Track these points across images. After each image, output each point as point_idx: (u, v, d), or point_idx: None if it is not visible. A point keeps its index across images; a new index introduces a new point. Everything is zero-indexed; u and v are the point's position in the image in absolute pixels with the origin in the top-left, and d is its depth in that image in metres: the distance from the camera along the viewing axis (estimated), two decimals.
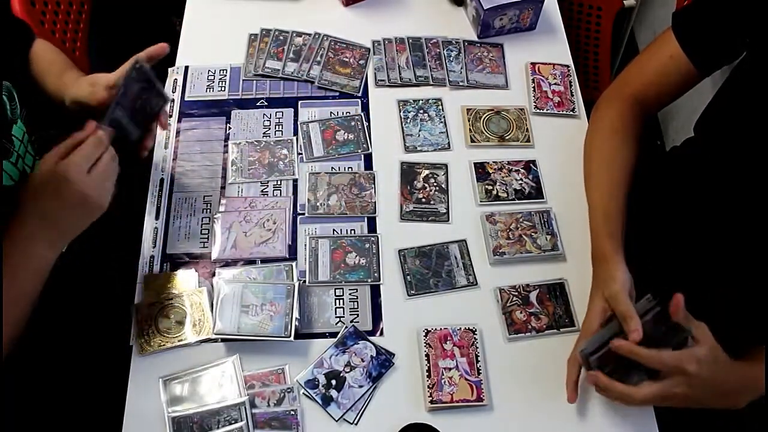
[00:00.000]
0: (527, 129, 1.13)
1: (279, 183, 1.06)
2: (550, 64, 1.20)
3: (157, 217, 1.02)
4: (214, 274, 0.96)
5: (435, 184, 1.07)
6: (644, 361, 0.77)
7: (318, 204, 1.04)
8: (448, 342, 0.91)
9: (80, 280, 0.98)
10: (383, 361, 0.90)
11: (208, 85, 1.17)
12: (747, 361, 0.81)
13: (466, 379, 0.88)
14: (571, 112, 1.15)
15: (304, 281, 0.96)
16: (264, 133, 1.11)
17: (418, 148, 1.10)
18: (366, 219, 1.03)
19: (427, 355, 0.90)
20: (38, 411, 0.94)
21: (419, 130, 1.12)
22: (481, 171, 1.08)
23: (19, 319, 0.78)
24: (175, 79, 1.17)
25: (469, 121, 1.13)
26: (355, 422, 0.86)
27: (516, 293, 0.96)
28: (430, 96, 1.16)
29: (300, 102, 1.15)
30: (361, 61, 1.20)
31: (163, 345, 0.90)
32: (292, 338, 0.88)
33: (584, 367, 0.84)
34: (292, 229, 1.02)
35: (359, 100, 1.16)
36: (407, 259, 0.99)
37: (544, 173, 1.08)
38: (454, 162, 1.09)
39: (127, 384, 0.88)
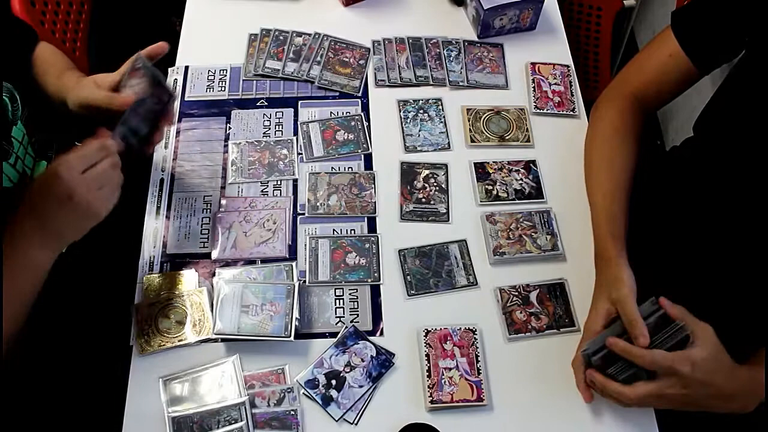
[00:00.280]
0: (527, 129, 1.13)
1: (279, 183, 1.06)
2: (550, 64, 1.20)
3: (157, 217, 1.02)
4: (214, 274, 0.96)
5: (435, 184, 1.07)
6: (637, 360, 0.78)
7: (318, 204, 1.04)
8: (448, 342, 0.91)
9: (80, 280, 0.98)
10: (383, 361, 0.90)
11: (208, 85, 1.17)
12: (752, 365, 0.81)
13: (466, 379, 0.88)
14: (571, 112, 1.15)
15: (304, 281, 0.96)
16: (264, 133, 1.11)
17: (418, 148, 1.10)
18: (366, 219, 1.03)
19: (427, 355, 0.90)
20: (38, 411, 0.94)
21: (419, 130, 1.12)
22: (481, 171, 1.08)
23: (15, 317, 0.78)
24: (175, 79, 1.17)
25: (469, 121, 1.13)
26: (355, 422, 0.86)
27: (516, 293, 0.96)
28: (430, 96, 1.16)
29: (300, 102, 1.15)
30: (361, 61, 1.20)
31: (163, 345, 0.90)
32: (292, 338, 0.88)
33: (585, 367, 0.84)
34: (292, 229, 1.02)
35: (359, 100, 1.16)
36: (407, 259, 0.99)
37: (544, 173, 1.08)
38: (454, 162, 1.09)
39: (127, 384, 0.88)
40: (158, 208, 1.03)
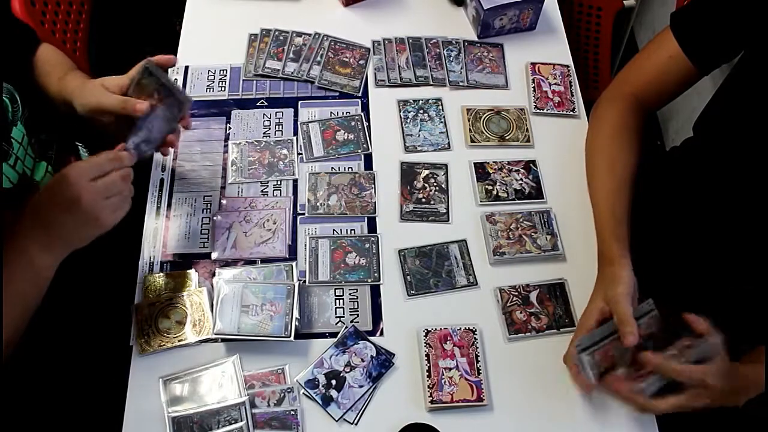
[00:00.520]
0: (527, 129, 1.13)
1: (279, 183, 1.06)
2: (550, 64, 1.20)
3: (157, 217, 1.02)
4: (214, 274, 0.96)
5: (435, 184, 1.07)
6: (672, 375, 0.78)
7: (318, 204, 1.04)
8: (448, 342, 0.91)
9: (80, 280, 0.98)
10: (383, 361, 0.90)
11: (208, 85, 1.17)
12: (749, 363, 0.81)
13: (466, 379, 0.88)
14: (571, 112, 1.15)
15: (304, 281, 0.96)
16: (264, 133, 1.11)
17: (418, 148, 1.10)
18: (366, 219, 1.03)
19: (427, 355, 0.90)
20: (38, 411, 0.94)
21: (419, 130, 1.12)
22: (481, 171, 1.08)
23: (17, 322, 0.78)
24: (175, 79, 1.17)
25: (469, 121, 1.13)
26: (355, 422, 0.86)
27: (516, 293, 0.96)
28: (430, 96, 1.16)
29: (300, 102, 1.15)
30: (361, 61, 1.20)
31: (163, 345, 0.90)
32: (292, 338, 0.88)
33: (573, 361, 0.85)
34: (292, 229, 1.02)
35: (359, 100, 1.16)
36: (407, 259, 0.99)
37: (544, 173, 1.08)
38: (454, 162, 1.09)
39: (127, 384, 0.88)
40: (158, 208, 1.03)
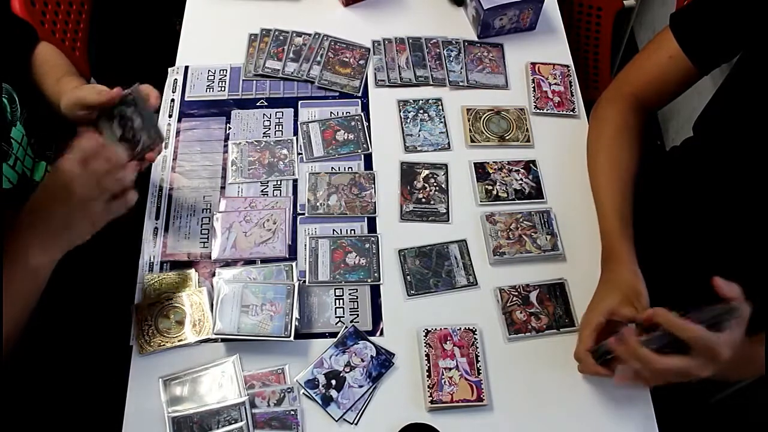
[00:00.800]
0: (527, 129, 1.13)
1: (279, 183, 1.06)
2: (550, 64, 1.20)
3: (157, 217, 1.02)
4: (214, 274, 0.96)
5: (435, 184, 1.07)
6: (680, 332, 0.73)
7: (318, 204, 1.04)
8: (448, 342, 0.91)
9: (80, 280, 0.98)
10: (383, 361, 0.90)
11: (208, 85, 1.17)
12: (752, 341, 0.80)
13: (466, 379, 0.88)
14: (571, 112, 1.15)
15: (304, 281, 0.96)
16: (264, 133, 1.11)
17: (418, 148, 1.10)
18: (366, 219, 1.03)
19: (427, 355, 0.90)
20: (38, 411, 0.94)
21: (419, 130, 1.12)
22: (481, 171, 1.08)
23: (15, 321, 0.77)
24: (175, 79, 1.17)
25: (469, 121, 1.13)
26: (355, 422, 0.86)
27: (516, 293, 0.96)
28: (430, 96, 1.16)
29: (300, 102, 1.15)
30: (361, 61, 1.20)
31: (163, 345, 0.90)
32: (292, 338, 0.88)
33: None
34: (292, 229, 1.02)
35: (359, 100, 1.16)
36: (407, 259, 0.99)
37: (544, 173, 1.08)
38: (454, 162, 1.09)
39: (127, 384, 0.88)
40: (158, 208, 1.03)
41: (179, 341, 0.90)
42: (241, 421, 0.85)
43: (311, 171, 1.07)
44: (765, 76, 0.86)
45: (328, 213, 1.03)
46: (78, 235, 0.79)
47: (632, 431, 0.87)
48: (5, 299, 0.74)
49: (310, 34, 1.23)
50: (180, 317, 0.92)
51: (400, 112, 1.14)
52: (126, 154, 0.81)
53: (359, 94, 1.16)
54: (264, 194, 1.05)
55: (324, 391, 0.88)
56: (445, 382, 0.88)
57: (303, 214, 1.03)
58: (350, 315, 0.94)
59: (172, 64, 1.19)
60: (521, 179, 1.07)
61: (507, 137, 1.12)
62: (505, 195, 1.06)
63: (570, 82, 1.18)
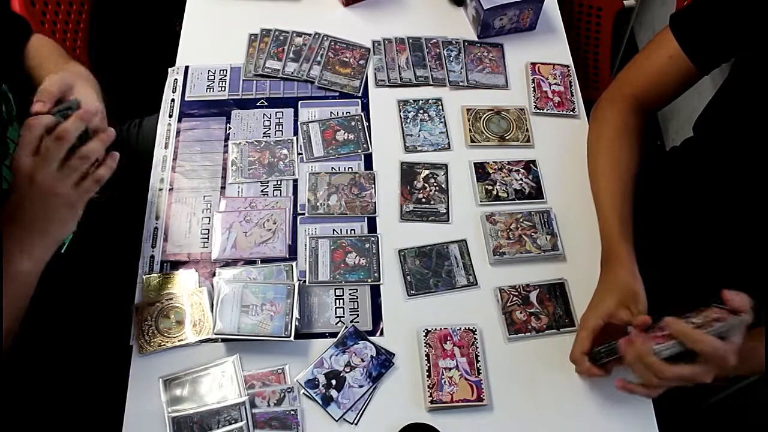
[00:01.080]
0: (527, 129, 1.13)
1: (279, 183, 1.06)
2: (550, 64, 1.20)
3: (157, 217, 1.02)
4: (214, 274, 0.96)
5: (435, 184, 1.07)
6: (694, 343, 0.73)
7: (318, 204, 1.04)
8: (448, 342, 0.91)
9: (80, 280, 0.98)
10: (383, 361, 0.90)
11: (208, 85, 1.17)
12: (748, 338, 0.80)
13: (466, 379, 0.88)
14: (571, 112, 1.15)
15: (304, 281, 0.96)
16: (264, 133, 1.11)
17: (418, 148, 1.10)
18: (366, 219, 1.03)
19: (427, 355, 0.90)
20: (38, 411, 0.94)
21: (419, 130, 1.12)
22: (481, 171, 1.08)
23: (7, 328, 0.76)
24: (175, 79, 1.17)
25: (469, 121, 1.13)
26: (355, 422, 0.86)
27: (516, 293, 0.96)
28: (430, 96, 1.16)
29: (300, 102, 1.15)
30: (361, 61, 1.20)
31: (163, 345, 0.90)
32: (292, 338, 0.89)
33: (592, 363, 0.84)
34: (292, 229, 1.02)
35: (359, 100, 1.16)
36: (407, 259, 0.99)
37: (544, 173, 1.08)
38: (454, 162, 1.09)
39: (127, 384, 0.88)
40: (158, 207, 1.03)
41: (179, 341, 0.90)
42: (241, 421, 0.85)
43: (311, 171, 1.07)
44: (765, 76, 0.86)
45: (328, 213, 1.03)
46: (60, 227, 0.77)
47: (632, 431, 0.87)
48: None
49: (310, 34, 1.23)
50: (180, 317, 0.92)
51: (400, 112, 1.14)
52: (76, 126, 0.75)
53: (359, 94, 1.16)
54: (264, 194, 1.05)
55: (324, 391, 0.88)
56: (445, 382, 0.88)
57: (303, 214, 1.03)
58: (350, 315, 0.94)
59: (172, 64, 1.19)
60: (521, 179, 1.07)
61: (507, 137, 1.12)
62: (505, 195, 1.06)
63: (570, 82, 1.18)
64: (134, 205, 1.04)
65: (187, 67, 1.19)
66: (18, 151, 0.73)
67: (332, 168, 1.08)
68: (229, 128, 1.12)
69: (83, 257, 0.96)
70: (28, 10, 1.18)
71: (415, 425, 0.83)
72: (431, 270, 0.98)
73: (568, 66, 1.20)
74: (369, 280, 0.97)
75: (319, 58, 1.20)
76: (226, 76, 1.18)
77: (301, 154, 1.09)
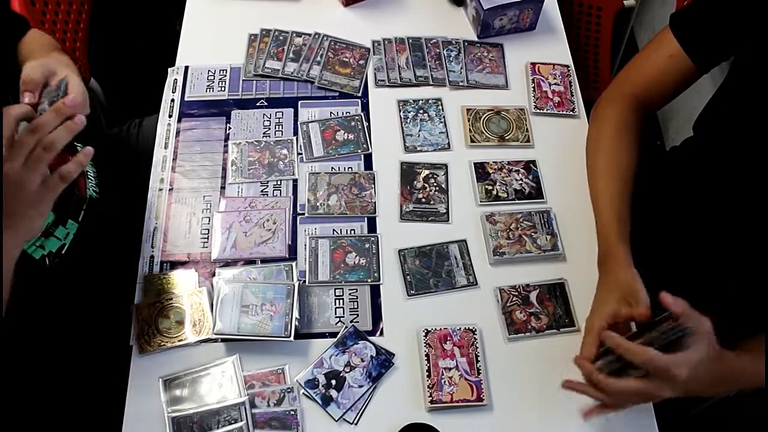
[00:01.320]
0: (527, 129, 1.13)
1: (279, 183, 1.06)
2: (550, 64, 1.20)
3: (157, 217, 1.02)
4: (214, 274, 0.96)
5: (435, 184, 1.07)
6: (631, 357, 0.75)
7: (318, 204, 1.04)
8: (448, 342, 0.91)
9: (80, 279, 0.98)
10: (383, 361, 0.90)
11: (208, 85, 1.17)
12: (744, 352, 0.80)
13: (466, 379, 0.88)
14: (571, 112, 1.15)
15: (304, 281, 0.96)
16: (264, 133, 1.11)
17: (418, 148, 1.10)
18: (366, 219, 1.03)
19: (427, 355, 0.90)
20: (38, 411, 0.94)
21: (419, 130, 1.12)
22: (481, 171, 1.08)
23: None
24: (175, 79, 1.17)
25: (469, 121, 1.13)
26: (355, 422, 0.86)
27: (516, 293, 0.96)
28: (430, 96, 1.16)
29: (300, 102, 1.15)
30: (361, 61, 1.20)
31: (163, 345, 0.90)
32: (292, 338, 0.89)
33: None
34: (292, 229, 1.02)
35: (359, 100, 1.16)
36: (407, 259, 0.99)
37: (544, 173, 1.08)
38: (454, 162, 1.09)
39: (127, 384, 0.88)
40: (158, 207, 1.03)
41: (179, 341, 0.90)
42: (241, 421, 0.85)
43: (311, 171, 1.07)
44: (765, 75, 0.86)
45: (328, 213, 1.03)
46: (24, 223, 0.73)
47: (632, 430, 0.87)
48: None
49: (310, 34, 1.23)
50: (180, 317, 0.92)
51: (400, 112, 1.14)
52: (52, 120, 0.72)
53: (359, 94, 1.16)
54: (264, 194, 1.05)
55: (324, 391, 0.88)
56: (445, 382, 0.88)
57: (303, 214, 1.03)
58: (350, 315, 0.94)
59: (172, 64, 1.19)
60: (521, 179, 1.07)
61: (507, 137, 1.12)
62: (505, 195, 1.06)
63: (570, 82, 1.18)
64: (134, 205, 1.04)
65: (187, 67, 1.19)
66: None
67: (332, 168, 1.08)
68: (229, 128, 1.12)
69: (83, 257, 0.96)
70: (28, 9, 1.18)
71: (415, 425, 0.83)
72: (431, 270, 0.98)
73: (568, 66, 1.20)
74: (369, 280, 0.97)
75: (319, 58, 1.20)
76: (226, 76, 1.18)
77: (301, 154, 1.09)
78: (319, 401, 0.87)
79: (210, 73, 1.18)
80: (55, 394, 0.95)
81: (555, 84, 1.18)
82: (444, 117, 1.14)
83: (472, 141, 1.11)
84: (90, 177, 1.01)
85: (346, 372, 0.89)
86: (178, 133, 1.11)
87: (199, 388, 0.87)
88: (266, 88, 1.17)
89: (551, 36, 1.26)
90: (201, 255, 0.99)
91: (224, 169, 1.08)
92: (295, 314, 0.90)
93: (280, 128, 1.12)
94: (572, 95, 1.17)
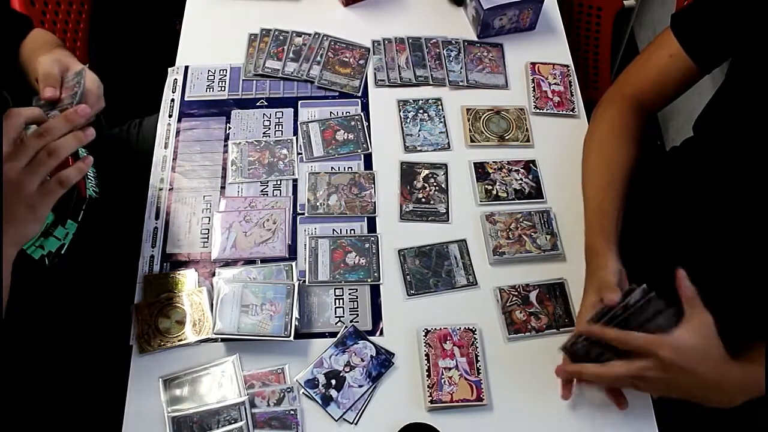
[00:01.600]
0: (527, 129, 1.13)
1: (279, 183, 1.06)
2: (549, 64, 1.20)
3: (157, 217, 1.02)
4: (214, 274, 0.96)
5: (435, 184, 1.07)
6: (614, 342, 0.77)
7: (318, 204, 1.04)
8: (447, 342, 0.91)
9: (80, 279, 0.98)
10: (383, 361, 0.90)
11: (208, 85, 1.17)
12: (746, 361, 0.80)
13: (466, 379, 0.88)
14: (571, 112, 1.15)
15: (304, 281, 0.96)
16: (264, 133, 1.11)
17: (418, 148, 1.10)
18: (366, 219, 1.03)
19: (426, 355, 0.90)
20: (38, 411, 0.94)
21: (419, 130, 1.12)
22: (481, 171, 1.08)
23: None
24: (175, 79, 1.17)
25: (468, 121, 1.13)
26: (355, 422, 0.86)
27: (516, 293, 0.96)
28: (430, 96, 1.16)
29: (300, 102, 1.15)
30: (361, 61, 1.20)
31: (163, 345, 0.90)
32: (291, 338, 0.89)
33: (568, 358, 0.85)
34: (292, 229, 1.02)
35: (359, 100, 1.16)
36: (407, 259, 0.99)
37: (544, 173, 1.08)
38: (454, 162, 1.09)
39: (127, 384, 0.88)
40: (158, 207, 1.03)
41: (179, 341, 0.90)
42: (241, 420, 0.85)
43: (311, 171, 1.07)
44: (765, 75, 0.86)
45: (328, 213, 1.03)
46: (18, 227, 0.72)
47: (632, 430, 0.87)
48: None
49: (310, 34, 1.23)
50: (180, 317, 0.92)
51: (399, 112, 1.14)
52: (61, 126, 0.72)
53: (359, 94, 1.17)
54: (264, 194, 1.05)
55: (324, 390, 0.88)
56: (444, 381, 0.88)
57: (303, 213, 1.03)
58: (350, 315, 0.94)
59: (172, 64, 1.19)
60: (521, 179, 1.07)
61: (507, 137, 1.12)
62: (505, 195, 1.06)
63: (570, 82, 1.18)
64: (134, 205, 1.04)
65: (187, 67, 1.19)
66: None
67: (332, 168, 1.08)
68: (229, 128, 1.12)
69: (83, 257, 0.96)
70: (28, 9, 1.18)
71: (414, 425, 0.83)
72: (431, 270, 0.98)
73: (567, 66, 1.20)
74: (369, 280, 0.97)
75: (318, 58, 1.20)
76: (225, 76, 1.18)
77: (301, 154, 1.09)
78: (319, 401, 0.87)
79: (210, 73, 1.18)
80: (55, 394, 0.95)
81: (555, 84, 1.18)
82: (444, 117, 1.14)
83: (471, 141, 1.11)
84: (90, 177, 1.01)
85: (346, 372, 0.89)
86: (178, 133, 1.12)
87: (199, 388, 0.87)
88: (266, 88, 1.17)
89: (551, 36, 1.26)
90: (201, 255, 0.99)
91: (224, 169, 1.08)
92: (295, 314, 0.90)
93: (280, 128, 1.12)
94: (572, 95, 1.17)
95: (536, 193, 1.06)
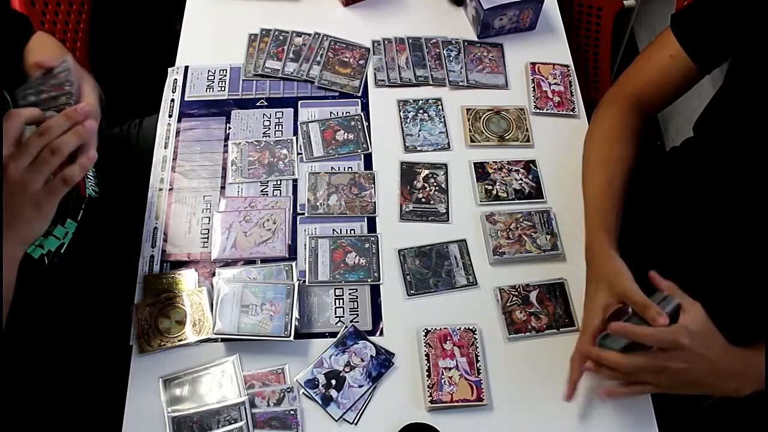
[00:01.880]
0: (527, 129, 1.13)
1: (279, 183, 1.06)
2: (550, 64, 1.20)
3: (157, 217, 1.02)
4: (214, 274, 0.96)
5: (435, 184, 1.07)
6: (643, 339, 0.77)
7: (318, 204, 1.04)
8: (447, 342, 0.91)
9: (80, 279, 0.98)
10: (383, 361, 0.90)
11: (208, 85, 1.17)
12: (749, 348, 0.80)
13: (466, 379, 0.88)
14: (571, 112, 1.15)
15: (304, 281, 0.96)
16: (264, 133, 1.11)
17: (418, 148, 1.10)
18: (366, 219, 1.03)
19: (427, 355, 0.90)
20: (38, 411, 0.94)
21: (419, 130, 1.12)
22: (481, 171, 1.08)
23: None
24: (175, 79, 1.17)
25: (468, 121, 1.13)
26: (355, 422, 0.86)
27: (516, 293, 0.96)
28: (430, 96, 1.16)
29: (300, 102, 1.15)
30: (361, 61, 1.20)
31: (163, 345, 0.90)
32: (291, 338, 0.89)
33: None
34: (292, 229, 1.02)
35: (359, 100, 1.16)
36: (407, 259, 0.99)
37: (544, 173, 1.08)
38: (454, 162, 1.09)
39: (127, 384, 0.88)
40: (158, 207, 1.03)
41: (179, 341, 0.90)
42: (241, 420, 0.85)
43: (311, 171, 1.07)
44: (765, 76, 0.86)
45: (328, 213, 1.03)
46: (23, 225, 0.72)
47: (632, 430, 0.87)
48: None
49: (310, 34, 1.23)
50: (180, 317, 0.92)
51: (399, 112, 1.14)
52: (61, 125, 0.72)
53: (359, 94, 1.17)
54: (264, 194, 1.05)
55: (324, 390, 0.88)
56: (444, 381, 0.88)
57: (303, 213, 1.03)
58: (350, 315, 0.94)
59: (172, 64, 1.19)
60: (521, 179, 1.07)
61: (507, 137, 1.12)
62: (505, 195, 1.06)
63: (570, 82, 1.18)
64: (134, 205, 1.03)
65: (186, 67, 1.19)
66: None
67: (332, 168, 1.08)
68: (229, 128, 1.12)
69: (83, 257, 0.96)
70: (28, 9, 1.18)
71: (414, 425, 0.83)
72: (431, 270, 0.98)
73: (567, 66, 1.20)
74: (369, 280, 0.97)
75: (318, 58, 1.20)
76: (225, 76, 1.18)
77: (301, 154, 1.09)
78: (319, 401, 0.87)
79: (210, 73, 1.18)
80: (55, 394, 0.95)
81: (555, 84, 1.18)
82: (444, 117, 1.14)
83: (471, 141, 1.11)
84: (90, 176, 1.01)
85: (346, 372, 0.89)
86: (178, 133, 1.11)
87: (199, 388, 0.87)
88: (266, 88, 1.17)
89: (551, 36, 1.26)
90: (201, 255, 0.99)
91: (224, 169, 1.08)
92: (295, 314, 0.90)
93: (280, 128, 1.12)
94: (572, 95, 1.17)
95: (536, 193, 1.06)
